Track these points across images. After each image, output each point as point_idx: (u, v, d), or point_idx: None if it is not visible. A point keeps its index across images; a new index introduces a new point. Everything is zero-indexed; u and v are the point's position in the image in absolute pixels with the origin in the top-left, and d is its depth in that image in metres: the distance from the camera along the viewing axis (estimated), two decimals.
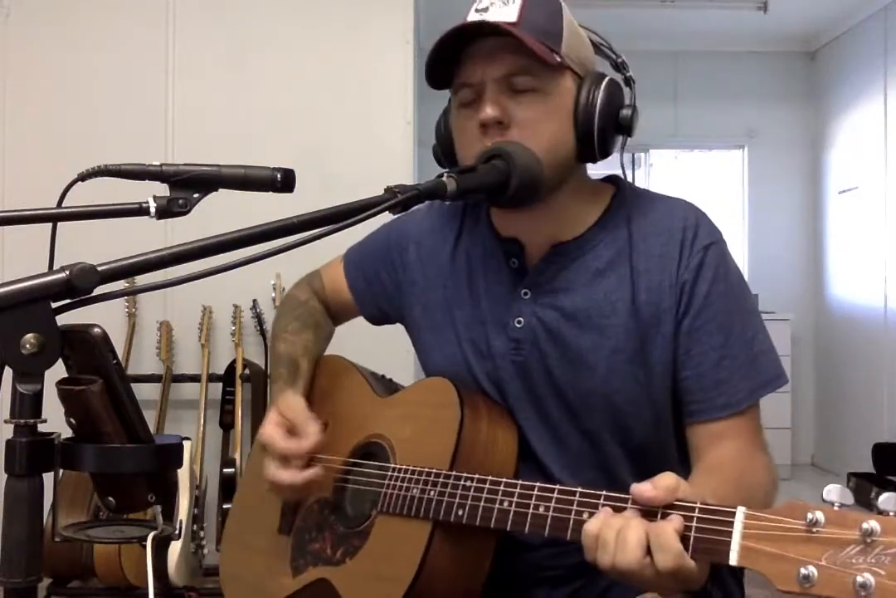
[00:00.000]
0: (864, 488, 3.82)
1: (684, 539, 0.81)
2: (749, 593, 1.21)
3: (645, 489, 0.85)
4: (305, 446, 1.17)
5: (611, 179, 1.23)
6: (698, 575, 0.83)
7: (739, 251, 5.44)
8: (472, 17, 1.09)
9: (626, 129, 1.12)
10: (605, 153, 1.12)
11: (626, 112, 1.12)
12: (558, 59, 1.07)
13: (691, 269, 1.11)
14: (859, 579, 0.68)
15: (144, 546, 2.30)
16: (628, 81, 1.15)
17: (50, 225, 0.87)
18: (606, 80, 1.11)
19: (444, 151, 1.19)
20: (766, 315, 4.91)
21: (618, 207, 1.17)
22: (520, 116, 1.08)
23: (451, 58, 1.10)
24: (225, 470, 2.92)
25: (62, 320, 0.71)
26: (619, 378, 1.12)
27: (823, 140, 5.28)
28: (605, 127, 1.10)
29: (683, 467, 1.12)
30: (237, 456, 2.98)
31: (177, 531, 2.64)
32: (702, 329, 1.11)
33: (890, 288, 4.48)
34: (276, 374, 1.32)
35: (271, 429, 1.19)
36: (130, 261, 0.75)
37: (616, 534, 0.84)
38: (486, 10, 1.08)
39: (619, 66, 1.17)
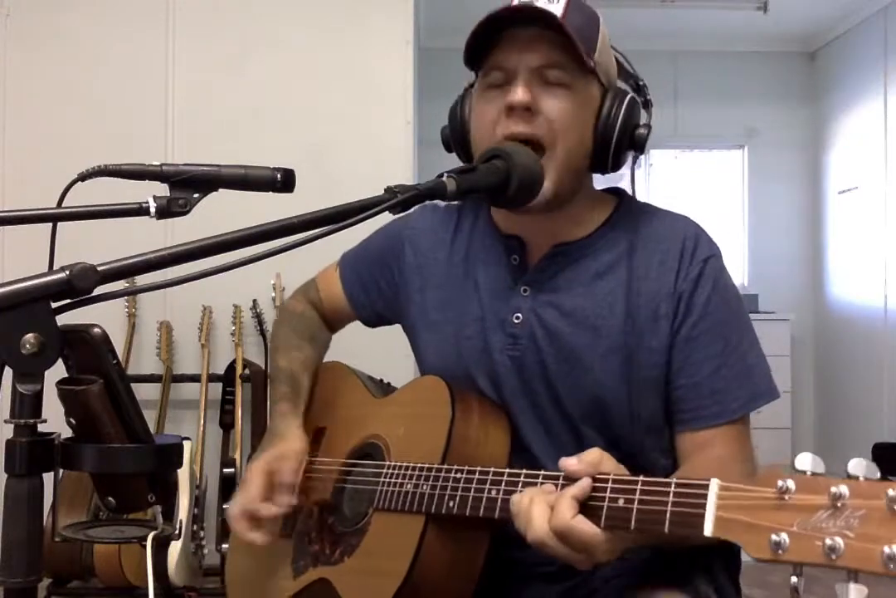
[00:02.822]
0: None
1: (659, 513, 0.83)
2: (748, 592, 1.21)
3: (570, 463, 0.90)
4: (272, 513, 1.17)
5: (614, 191, 1.25)
6: (599, 543, 0.86)
7: (739, 251, 5.44)
8: (519, 2, 1.10)
9: (640, 147, 1.15)
10: (616, 166, 1.16)
11: (642, 131, 1.15)
12: (593, 64, 1.10)
13: (690, 279, 1.13)
14: (828, 542, 0.69)
15: (144, 546, 2.29)
16: (647, 104, 1.19)
17: (50, 225, 0.87)
18: (629, 97, 1.15)
19: (456, 135, 1.20)
20: (766, 315, 4.93)
21: (621, 216, 1.20)
22: (548, 106, 1.10)
23: (488, 39, 1.11)
24: (225, 470, 2.92)
25: (62, 320, 0.71)
26: (611, 379, 1.13)
27: (823, 140, 5.28)
28: (622, 141, 1.13)
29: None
30: (237, 456, 2.98)
31: (177, 531, 2.64)
32: (699, 338, 1.12)
33: (890, 288, 4.48)
34: (280, 392, 1.32)
35: (256, 479, 1.19)
36: (130, 261, 0.75)
37: (527, 505, 0.90)
38: (531, 1, 1.10)
39: (639, 89, 1.20)
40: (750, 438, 1.15)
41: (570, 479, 0.91)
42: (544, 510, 0.88)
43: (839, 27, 5.02)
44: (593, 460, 0.90)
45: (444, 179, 0.97)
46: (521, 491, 0.97)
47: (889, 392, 4.45)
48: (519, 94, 1.08)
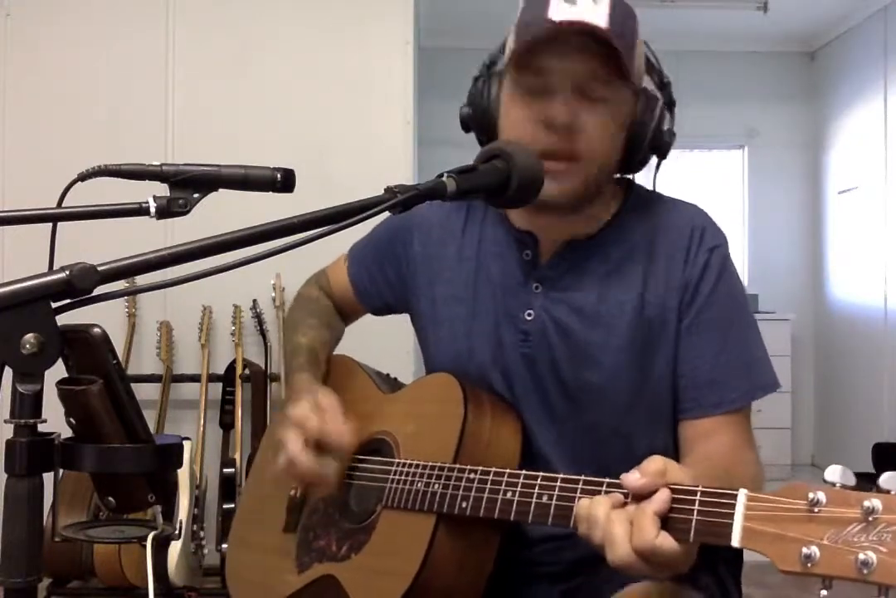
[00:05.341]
0: (865, 488, 3.80)
1: (685, 522, 0.81)
2: (748, 592, 1.21)
3: (633, 479, 0.84)
4: (347, 440, 1.12)
5: (621, 181, 1.24)
6: (681, 557, 0.82)
7: (739, 251, 5.43)
8: (561, 7, 1.06)
9: (665, 153, 1.16)
10: (640, 169, 1.17)
11: (668, 140, 1.15)
12: (633, 74, 1.09)
13: (697, 268, 1.14)
14: (861, 556, 0.68)
15: (144, 546, 2.29)
16: (671, 105, 1.17)
17: (50, 225, 0.87)
18: (660, 103, 1.14)
19: (479, 120, 1.16)
20: (766, 315, 4.93)
21: (630, 209, 1.20)
22: (588, 123, 1.08)
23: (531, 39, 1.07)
24: (225, 470, 2.92)
25: (62, 320, 0.71)
26: (623, 375, 1.14)
27: (823, 140, 5.28)
28: (650, 148, 1.14)
29: None
30: (237, 456, 2.98)
31: (177, 531, 2.64)
32: (701, 327, 1.13)
33: (890, 288, 4.48)
34: (298, 362, 1.30)
35: (306, 409, 1.13)
36: (130, 261, 0.75)
37: (604, 521, 0.84)
38: (573, 2, 1.06)
39: (663, 86, 1.18)
40: (750, 427, 1.14)
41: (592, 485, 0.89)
42: (626, 529, 0.82)
43: (839, 27, 5.03)
44: (657, 470, 0.84)
45: (444, 179, 0.97)
46: (539, 493, 0.96)
47: (889, 392, 4.44)
48: (563, 113, 1.07)
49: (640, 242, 1.16)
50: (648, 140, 1.13)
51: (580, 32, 1.04)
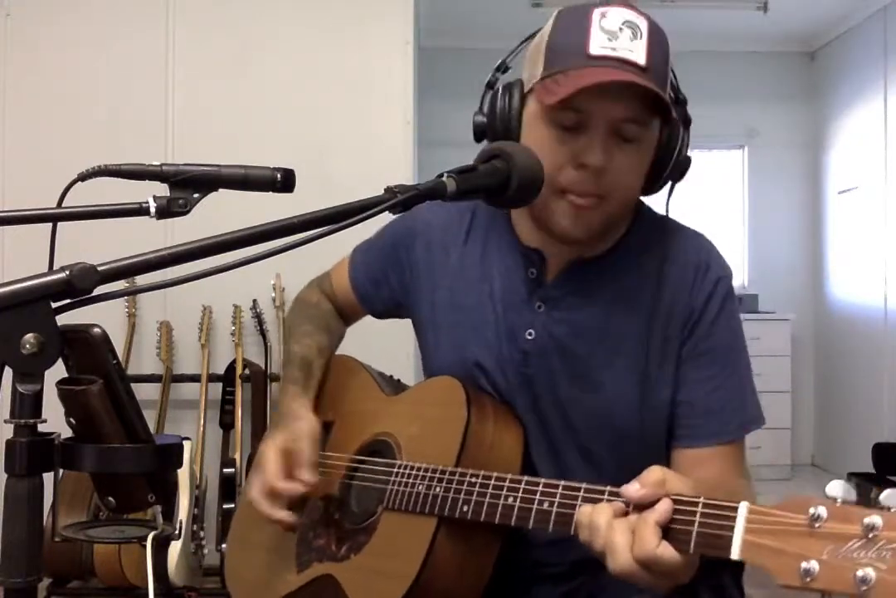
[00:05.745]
0: (865, 489, 3.82)
1: (685, 533, 0.81)
2: (749, 592, 1.21)
3: (633, 489, 0.85)
4: (298, 490, 1.16)
5: None
6: (682, 568, 0.82)
7: (739, 251, 5.44)
8: (601, 40, 1.04)
9: (681, 177, 1.16)
10: (657, 192, 1.17)
11: (686, 164, 1.14)
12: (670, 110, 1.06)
13: (701, 297, 1.13)
14: (860, 573, 0.68)
15: (144, 546, 2.30)
16: (686, 124, 1.15)
17: (50, 225, 0.87)
18: (682, 130, 1.12)
19: (499, 136, 1.12)
20: (766, 315, 4.94)
21: (638, 231, 1.19)
22: (620, 166, 1.07)
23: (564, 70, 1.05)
24: (225, 470, 2.92)
25: (62, 320, 0.71)
26: (624, 400, 1.13)
27: (823, 140, 5.28)
28: (671, 174, 1.14)
29: None
30: (237, 456, 2.98)
31: (177, 531, 2.64)
32: (701, 357, 1.13)
33: (890, 288, 4.48)
34: (290, 375, 1.32)
35: (273, 457, 1.18)
36: (130, 261, 0.75)
37: (605, 529, 0.85)
38: (615, 36, 1.05)
39: (678, 102, 1.16)
40: (744, 458, 1.15)
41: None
42: (628, 538, 0.83)
43: (839, 27, 5.03)
44: (657, 480, 0.85)
45: (444, 179, 0.96)
46: (540, 499, 0.96)
47: (889, 392, 4.45)
48: (598, 158, 1.05)
49: (649, 269, 1.15)
50: (672, 169, 1.12)
51: (628, 85, 1.01)
